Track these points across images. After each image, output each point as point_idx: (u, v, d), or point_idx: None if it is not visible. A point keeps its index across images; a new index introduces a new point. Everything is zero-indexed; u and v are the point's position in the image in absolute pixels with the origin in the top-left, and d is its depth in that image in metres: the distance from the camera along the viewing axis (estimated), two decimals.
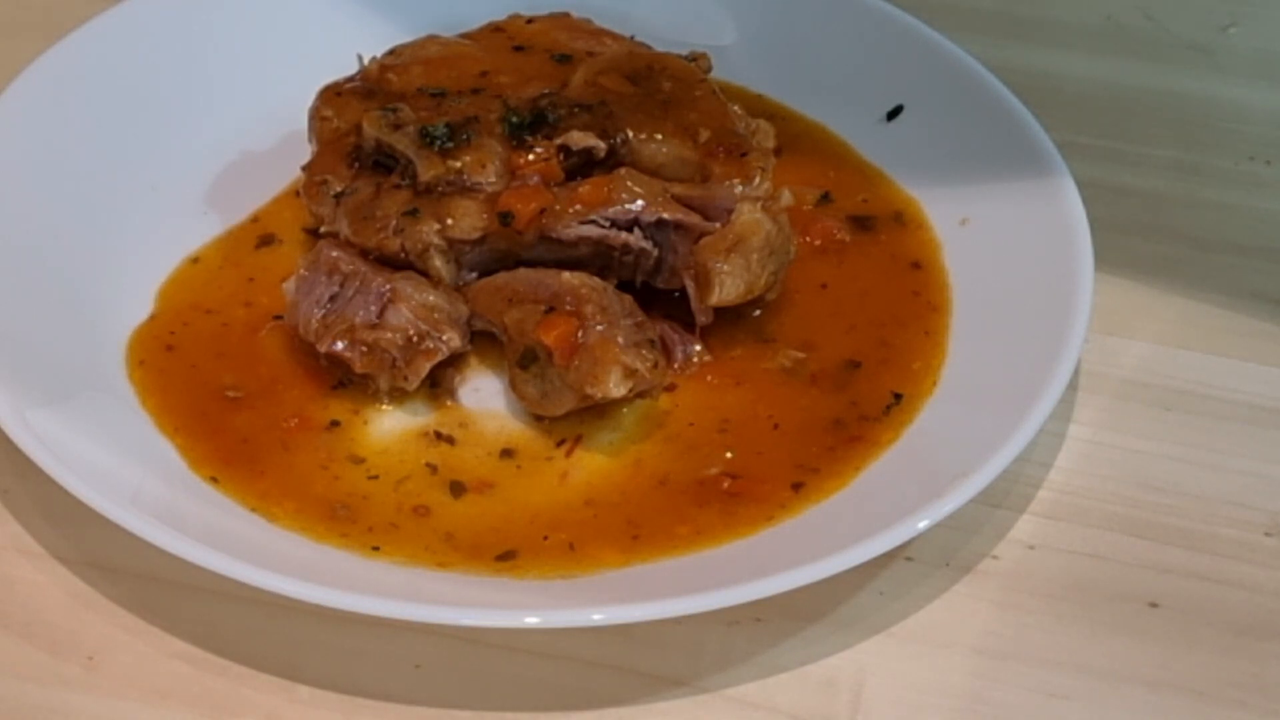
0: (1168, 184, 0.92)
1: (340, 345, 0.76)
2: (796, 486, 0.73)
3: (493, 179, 0.78)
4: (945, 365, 0.78)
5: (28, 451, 0.69)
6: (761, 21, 0.95)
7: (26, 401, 0.72)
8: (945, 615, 0.70)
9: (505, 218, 0.77)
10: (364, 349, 0.76)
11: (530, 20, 0.89)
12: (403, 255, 0.78)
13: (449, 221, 0.77)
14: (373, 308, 0.77)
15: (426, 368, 0.76)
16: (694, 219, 0.78)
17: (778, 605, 0.68)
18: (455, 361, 0.78)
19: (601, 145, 0.80)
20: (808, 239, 0.84)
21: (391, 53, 0.86)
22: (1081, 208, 0.81)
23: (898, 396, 0.77)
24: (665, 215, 0.77)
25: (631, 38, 0.88)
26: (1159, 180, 0.92)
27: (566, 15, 0.90)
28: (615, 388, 0.73)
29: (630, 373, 0.74)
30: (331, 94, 0.84)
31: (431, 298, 0.77)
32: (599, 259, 0.78)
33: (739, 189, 0.79)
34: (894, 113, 0.91)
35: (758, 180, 0.80)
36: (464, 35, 0.89)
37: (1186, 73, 0.99)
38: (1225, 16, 1.04)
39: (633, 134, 0.80)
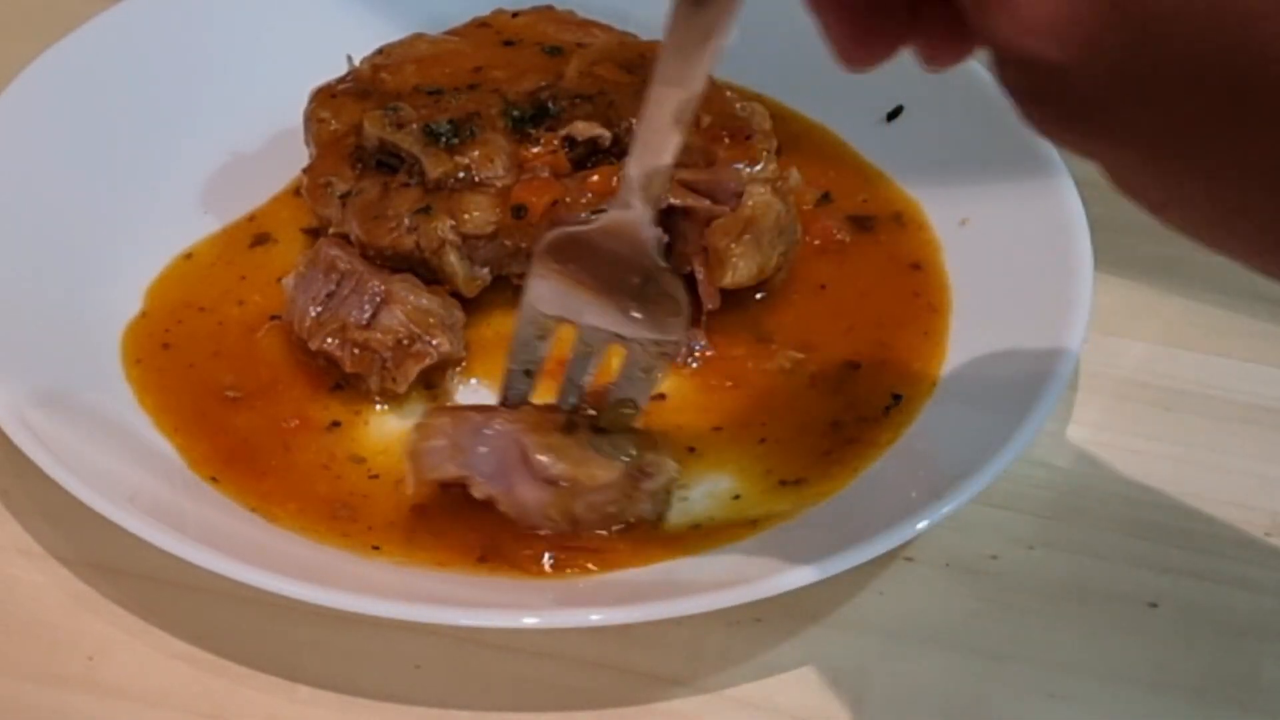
0: None
1: (331, 344, 0.76)
2: (796, 487, 0.73)
3: (501, 173, 0.78)
4: (944, 366, 0.78)
5: (27, 451, 0.69)
6: (761, 21, 0.94)
7: (25, 401, 0.72)
8: (946, 615, 0.70)
9: (519, 210, 0.77)
10: (354, 349, 0.76)
11: (515, 14, 0.89)
12: (418, 253, 0.77)
13: (464, 217, 0.77)
14: (366, 308, 0.76)
15: (414, 371, 0.76)
16: (703, 203, 0.78)
17: (778, 605, 0.67)
18: (455, 363, 0.78)
19: (607, 134, 0.80)
20: (807, 239, 0.84)
21: (380, 52, 0.86)
22: (1081, 208, 0.81)
23: (897, 397, 0.77)
24: (674, 201, 0.77)
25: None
26: None
27: (550, 8, 0.90)
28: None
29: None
30: (326, 96, 0.84)
31: (425, 301, 0.77)
32: None
33: (746, 171, 0.79)
34: (894, 113, 0.91)
35: (763, 161, 0.80)
36: (449, 32, 0.88)
37: None
38: None
39: (636, 121, 0.79)
